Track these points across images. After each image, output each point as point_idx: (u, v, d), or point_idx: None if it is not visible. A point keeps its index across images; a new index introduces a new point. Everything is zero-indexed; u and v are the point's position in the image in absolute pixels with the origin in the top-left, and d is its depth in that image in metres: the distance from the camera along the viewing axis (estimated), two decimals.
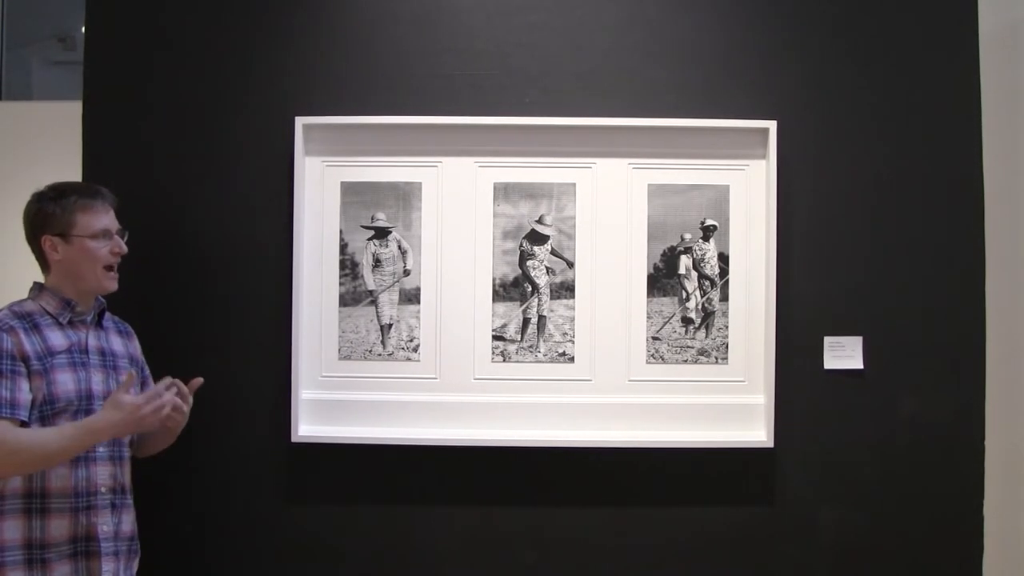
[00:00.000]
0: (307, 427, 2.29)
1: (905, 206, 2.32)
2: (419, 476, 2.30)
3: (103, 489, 1.86)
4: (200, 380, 1.93)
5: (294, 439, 2.26)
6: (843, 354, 2.30)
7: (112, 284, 1.94)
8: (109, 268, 1.92)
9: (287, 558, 2.30)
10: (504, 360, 2.31)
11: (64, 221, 1.87)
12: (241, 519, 2.30)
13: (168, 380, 1.85)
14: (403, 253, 2.32)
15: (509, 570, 2.30)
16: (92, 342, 1.91)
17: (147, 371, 2.08)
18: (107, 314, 2.00)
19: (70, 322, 1.88)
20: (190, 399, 1.90)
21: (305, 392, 2.29)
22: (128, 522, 1.93)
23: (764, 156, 2.30)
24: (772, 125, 2.28)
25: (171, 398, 1.82)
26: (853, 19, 2.34)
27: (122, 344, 2.01)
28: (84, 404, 1.83)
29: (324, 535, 2.31)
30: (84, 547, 1.83)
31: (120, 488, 1.92)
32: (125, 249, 1.95)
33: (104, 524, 1.85)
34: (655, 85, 2.32)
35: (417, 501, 2.31)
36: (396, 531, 2.31)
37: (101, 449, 1.87)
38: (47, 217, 1.87)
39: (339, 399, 2.30)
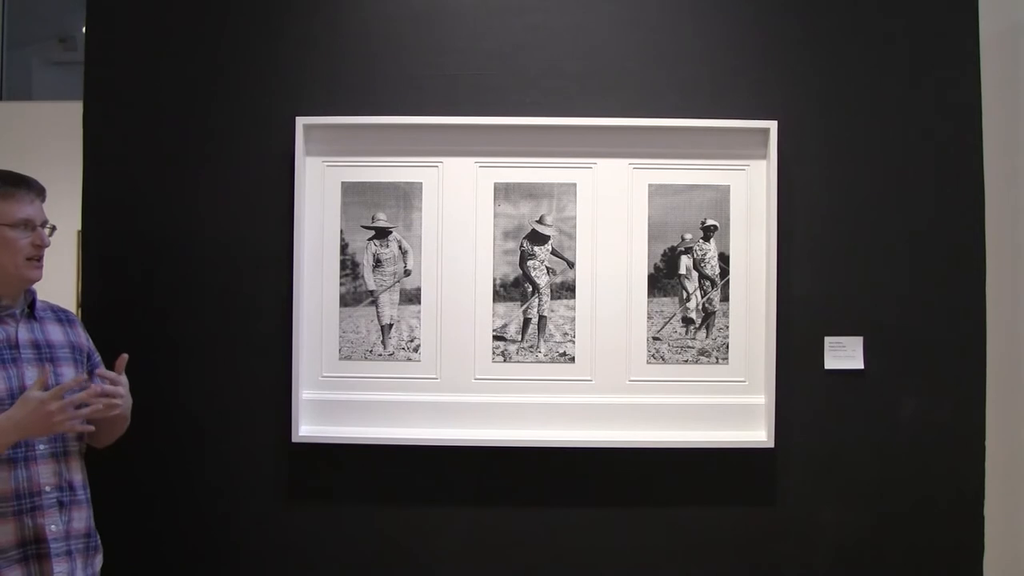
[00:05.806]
0: (308, 427, 2.29)
1: (905, 206, 2.32)
2: (419, 476, 2.30)
3: (47, 488, 1.78)
4: (125, 356, 1.82)
5: (295, 439, 2.26)
6: (843, 354, 2.30)
7: (36, 273, 1.83)
8: (31, 258, 1.81)
9: (287, 558, 2.30)
10: (505, 360, 2.31)
11: None
12: (241, 519, 2.30)
13: (83, 377, 1.78)
14: (404, 253, 2.32)
15: (509, 570, 2.30)
16: (23, 336, 1.82)
17: (97, 357, 1.97)
18: (40, 303, 1.90)
19: None
20: (124, 380, 1.81)
21: (306, 392, 2.29)
22: (80, 519, 1.85)
23: (765, 156, 2.30)
24: (773, 125, 2.28)
25: (87, 396, 1.73)
26: (853, 20, 2.34)
27: (62, 332, 1.90)
28: None
29: (324, 535, 2.31)
30: (35, 550, 1.76)
31: (67, 485, 1.83)
32: (48, 242, 1.84)
33: (52, 524, 1.77)
34: (656, 85, 2.32)
35: (417, 501, 2.31)
36: (396, 531, 2.31)
37: (42, 447, 1.79)
38: None
39: (340, 399, 2.30)
